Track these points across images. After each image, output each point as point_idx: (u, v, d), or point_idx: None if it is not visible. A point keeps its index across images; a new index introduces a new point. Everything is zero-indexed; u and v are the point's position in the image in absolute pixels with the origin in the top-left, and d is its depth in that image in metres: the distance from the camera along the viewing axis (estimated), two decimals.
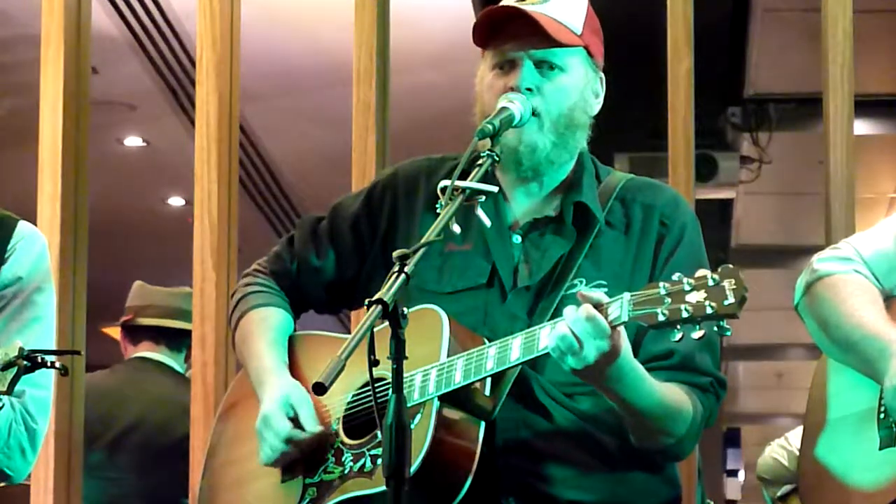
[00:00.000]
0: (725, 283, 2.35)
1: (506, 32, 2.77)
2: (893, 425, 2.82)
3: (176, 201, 10.22)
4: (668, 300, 2.37)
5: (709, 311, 2.34)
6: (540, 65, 2.76)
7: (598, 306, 2.45)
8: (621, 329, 2.48)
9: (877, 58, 7.43)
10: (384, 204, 2.94)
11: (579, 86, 2.79)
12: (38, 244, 3.08)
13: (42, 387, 3.01)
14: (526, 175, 2.79)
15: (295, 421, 2.76)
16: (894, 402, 2.75)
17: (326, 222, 3.01)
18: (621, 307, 2.43)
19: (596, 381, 2.55)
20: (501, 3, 2.82)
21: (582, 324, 2.44)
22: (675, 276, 2.39)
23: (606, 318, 2.44)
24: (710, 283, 2.35)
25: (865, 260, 2.96)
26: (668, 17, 3.99)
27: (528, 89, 2.74)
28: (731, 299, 2.34)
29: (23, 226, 3.08)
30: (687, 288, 2.36)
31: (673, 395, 2.65)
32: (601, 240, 2.77)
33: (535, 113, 2.74)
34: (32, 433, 2.99)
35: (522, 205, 2.84)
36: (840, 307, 2.90)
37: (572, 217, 2.78)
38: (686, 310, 2.35)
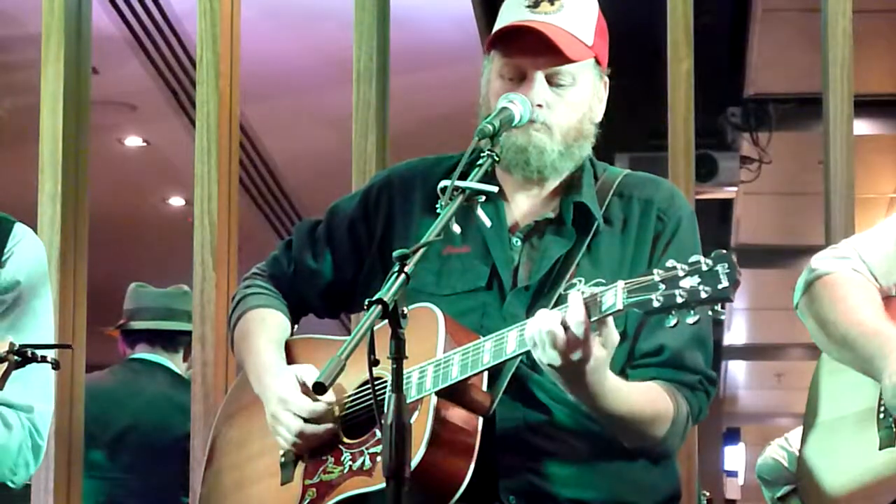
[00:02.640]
0: (719, 268, 2.35)
1: (520, 43, 2.76)
2: (893, 425, 2.82)
3: (176, 201, 10.22)
4: (662, 286, 2.38)
5: (703, 295, 2.35)
6: (551, 79, 2.76)
7: (593, 295, 2.45)
8: (607, 337, 2.48)
9: (877, 58, 7.43)
10: (380, 206, 2.94)
11: (587, 97, 2.80)
12: (35, 247, 3.08)
13: (49, 401, 3.03)
14: (531, 176, 2.79)
15: (312, 396, 2.73)
16: (894, 400, 2.75)
17: (323, 226, 3.00)
18: (616, 295, 2.43)
19: (572, 382, 2.55)
20: (511, 9, 2.80)
21: (552, 321, 2.44)
22: (669, 263, 2.39)
23: (601, 306, 2.45)
24: (704, 267, 2.36)
25: (864, 259, 2.96)
26: (668, 17, 3.99)
27: (539, 105, 2.74)
28: (724, 283, 2.34)
29: (19, 228, 3.07)
30: (681, 273, 2.37)
31: (651, 401, 2.66)
32: (600, 237, 2.77)
33: (545, 125, 2.74)
34: (38, 449, 3.01)
35: (523, 206, 2.84)
36: (838, 305, 2.90)
37: (572, 217, 2.78)
38: (680, 295, 2.36)
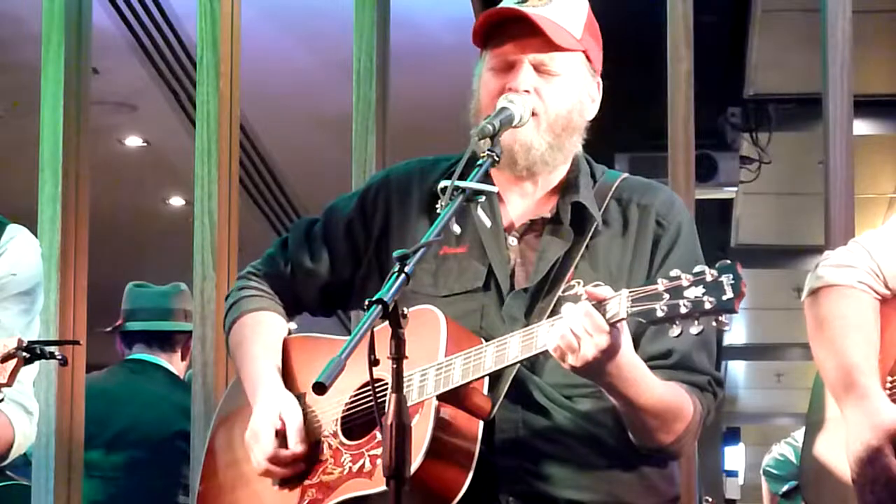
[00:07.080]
0: (724, 279, 2.35)
1: (506, 34, 2.77)
2: None
3: (176, 201, 10.22)
4: (667, 296, 2.38)
5: (707, 306, 2.35)
6: (539, 67, 2.76)
7: (598, 302, 2.45)
8: (622, 326, 2.48)
9: (877, 58, 7.43)
10: (378, 207, 2.93)
11: (577, 89, 2.79)
12: (30, 245, 3.09)
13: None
14: (520, 174, 2.79)
15: (282, 436, 2.76)
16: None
17: (320, 225, 3.00)
18: (620, 304, 2.43)
19: (596, 377, 2.55)
20: (503, 4, 2.81)
21: (580, 321, 2.44)
22: (674, 273, 2.39)
23: (605, 314, 2.45)
24: (709, 278, 2.36)
25: (876, 259, 2.94)
26: (668, 17, 4.00)
27: (526, 91, 2.74)
28: (729, 294, 2.34)
29: (13, 228, 3.08)
30: (685, 284, 2.37)
31: (674, 392, 2.65)
32: (598, 240, 2.77)
33: (533, 113, 2.74)
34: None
35: (518, 206, 2.83)
36: (823, 323, 2.92)
37: (570, 218, 2.78)
38: (685, 305, 2.36)
